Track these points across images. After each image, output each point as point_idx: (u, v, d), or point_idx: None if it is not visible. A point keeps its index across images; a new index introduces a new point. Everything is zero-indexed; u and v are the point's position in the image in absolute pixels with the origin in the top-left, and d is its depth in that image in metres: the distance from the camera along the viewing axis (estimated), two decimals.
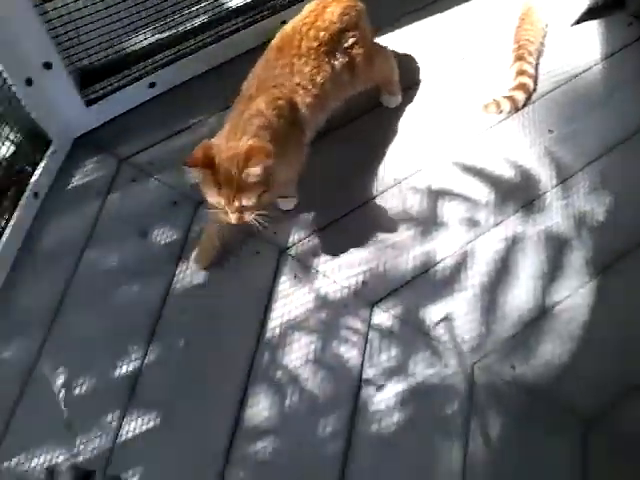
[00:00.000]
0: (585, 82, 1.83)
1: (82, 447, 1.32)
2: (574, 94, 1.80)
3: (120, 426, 1.35)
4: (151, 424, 1.35)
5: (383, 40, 1.79)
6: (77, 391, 1.38)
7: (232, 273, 1.53)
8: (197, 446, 1.32)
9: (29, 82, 1.51)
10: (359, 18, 1.54)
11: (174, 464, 1.31)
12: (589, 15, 1.95)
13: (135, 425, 1.35)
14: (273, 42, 1.51)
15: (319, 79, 1.45)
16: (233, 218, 1.27)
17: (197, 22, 1.83)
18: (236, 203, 1.25)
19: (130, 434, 1.34)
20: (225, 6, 1.84)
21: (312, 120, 1.47)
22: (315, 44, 1.46)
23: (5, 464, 1.29)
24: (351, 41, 1.51)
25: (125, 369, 1.41)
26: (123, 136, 1.72)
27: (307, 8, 1.55)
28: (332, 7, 1.50)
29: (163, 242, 1.57)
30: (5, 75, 1.47)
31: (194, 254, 1.53)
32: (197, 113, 1.76)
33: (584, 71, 1.84)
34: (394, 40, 1.84)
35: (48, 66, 1.53)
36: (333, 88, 1.48)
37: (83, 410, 1.36)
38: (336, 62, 1.48)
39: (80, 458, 1.30)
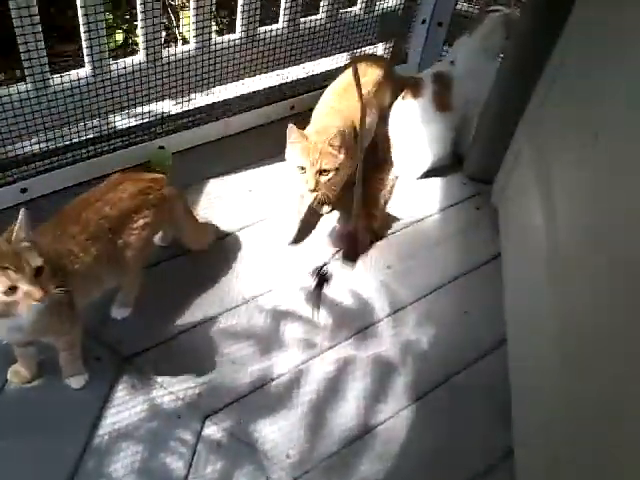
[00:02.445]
0: (422, 228, 2.10)
1: None
2: (412, 237, 2.06)
3: None
4: None
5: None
6: None
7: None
8: None
9: None
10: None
11: None
12: (432, 172, 2.28)
13: None
14: None
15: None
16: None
17: (80, 138, 1.98)
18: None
19: None
20: (108, 126, 2.00)
21: None
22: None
23: None
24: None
25: None
26: None
27: None
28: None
29: None
30: None
31: (11, 370, 1.52)
32: None
33: (422, 219, 2.12)
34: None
35: None
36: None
37: None
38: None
39: None
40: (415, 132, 2.17)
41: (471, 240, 2.09)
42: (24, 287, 1.15)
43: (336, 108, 1.98)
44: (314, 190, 1.82)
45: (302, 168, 1.81)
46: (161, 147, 2.07)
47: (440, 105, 2.15)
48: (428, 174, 2.29)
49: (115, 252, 1.48)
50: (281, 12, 2.23)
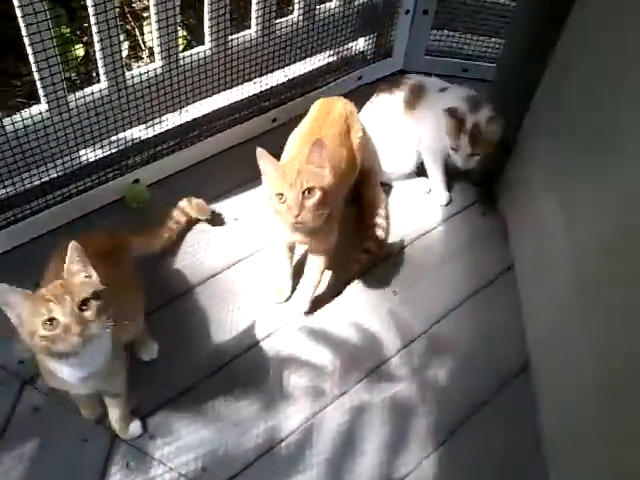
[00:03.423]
0: (425, 245, 1.93)
1: None
2: (416, 257, 1.89)
3: None
4: None
5: None
6: None
7: (54, 463, 1.39)
8: None
9: None
10: None
11: None
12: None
13: None
14: None
15: None
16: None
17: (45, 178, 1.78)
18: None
19: None
20: (73, 163, 1.80)
21: None
22: None
23: None
24: None
25: None
26: None
27: None
28: None
29: None
30: None
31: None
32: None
33: (424, 234, 1.96)
34: None
35: None
36: None
37: None
38: None
39: None
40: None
41: (479, 252, 1.93)
42: (61, 319, 1.04)
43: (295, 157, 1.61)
44: (298, 215, 1.44)
45: (281, 195, 1.45)
46: (136, 181, 1.88)
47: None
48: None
49: None
50: (252, 16, 2.03)
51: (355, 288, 1.79)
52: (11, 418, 1.44)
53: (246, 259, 1.82)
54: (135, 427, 1.43)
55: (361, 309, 1.74)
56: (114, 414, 1.39)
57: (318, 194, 1.44)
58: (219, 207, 1.93)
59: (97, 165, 1.84)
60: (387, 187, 2.06)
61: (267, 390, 1.56)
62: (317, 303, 1.73)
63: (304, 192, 1.42)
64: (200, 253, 1.82)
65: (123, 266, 1.42)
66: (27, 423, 1.43)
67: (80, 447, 1.41)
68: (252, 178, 1.79)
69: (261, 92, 2.15)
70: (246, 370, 1.59)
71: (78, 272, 1.11)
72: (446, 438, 1.52)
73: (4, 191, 1.71)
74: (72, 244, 1.12)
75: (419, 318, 1.74)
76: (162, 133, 1.97)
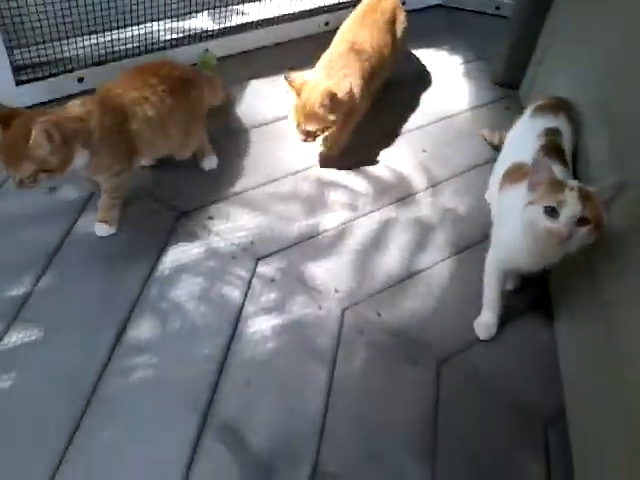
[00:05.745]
0: (454, 122, 2.19)
1: None
2: (444, 129, 2.15)
3: (1, 338, 1.39)
4: (33, 338, 1.40)
5: None
6: None
7: (131, 225, 1.66)
8: (74, 359, 1.37)
9: None
10: None
11: (48, 369, 1.35)
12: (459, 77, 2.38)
13: (17, 337, 1.39)
14: None
15: None
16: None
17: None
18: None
19: (11, 344, 1.38)
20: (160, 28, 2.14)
21: None
22: None
23: None
24: None
25: (16, 292, 1.47)
26: None
27: None
28: None
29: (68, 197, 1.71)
30: None
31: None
32: None
33: (453, 115, 2.22)
34: None
35: None
36: None
37: None
38: None
39: None
40: None
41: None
42: None
43: (350, 40, 1.94)
44: (305, 141, 1.82)
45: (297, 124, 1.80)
46: (206, 50, 2.20)
47: None
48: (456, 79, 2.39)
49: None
50: None
51: (390, 143, 2.05)
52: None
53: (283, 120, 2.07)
54: (101, 228, 1.63)
55: (394, 158, 2.00)
56: (100, 200, 1.63)
57: (319, 133, 1.83)
58: (275, 81, 2.21)
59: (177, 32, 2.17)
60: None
61: (309, 201, 1.82)
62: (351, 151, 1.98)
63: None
64: (258, 107, 2.11)
65: (190, 98, 1.69)
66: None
67: (153, 216, 1.69)
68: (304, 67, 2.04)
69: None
70: (292, 186, 1.85)
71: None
72: (460, 251, 1.75)
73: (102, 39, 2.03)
74: None
75: (445, 170, 1.98)
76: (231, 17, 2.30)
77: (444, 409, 1.40)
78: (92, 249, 1.60)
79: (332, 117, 1.77)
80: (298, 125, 1.79)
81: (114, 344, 1.41)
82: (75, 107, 1.46)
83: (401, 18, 2.15)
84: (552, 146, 1.54)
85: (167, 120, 1.61)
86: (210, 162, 1.85)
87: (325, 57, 1.93)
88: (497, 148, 1.92)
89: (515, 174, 1.51)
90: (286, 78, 1.78)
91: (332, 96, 1.74)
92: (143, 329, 1.45)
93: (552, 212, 1.22)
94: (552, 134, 1.58)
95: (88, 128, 1.44)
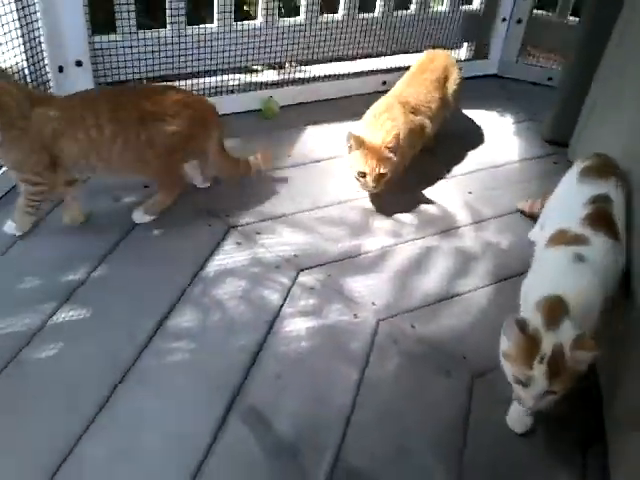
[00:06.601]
0: (502, 170, 2.26)
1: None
2: (492, 175, 2.22)
3: (53, 314, 1.48)
4: (80, 317, 1.48)
5: None
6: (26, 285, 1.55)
7: (185, 233, 1.77)
8: (116, 338, 1.44)
9: (61, 69, 1.94)
10: None
11: (91, 344, 1.42)
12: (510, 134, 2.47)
13: (67, 315, 1.48)
14: None
15: None
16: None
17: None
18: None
19: (60, 320, 1.47)
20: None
21: None
22: None
23: None
24: None
25: (72, 277, 1.58)
26: None
27: None
28: None
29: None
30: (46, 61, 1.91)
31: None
32: None
33: (502, 165, 2.29)
34: None
35: (79, 64, 1.97)
36: None
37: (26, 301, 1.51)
38: None
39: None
40: None
41: (550, 184, 2.20)
42: None
43: (396, 95, 2.13)
44: (375, 189, 1.93)
45: (363, 174, 1.91)
46: (270, 97, 2.39)
47: None
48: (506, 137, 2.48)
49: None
50: (377, 3, 2.59)
51: (435, 187, 2.13)
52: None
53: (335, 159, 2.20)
54: (11, 227, 1.67)
55: (439, 197, 2.06)
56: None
57: (388, 175, 1.93)
58: (331, 128, 2.36)
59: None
60: None
61: (354, 226, 1.89)
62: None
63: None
64: (314, 145, 2.25)
65: (150, 129, 1.64)
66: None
67: (204, 228, 1.80)
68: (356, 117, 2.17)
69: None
70: (338, 213, 1.93)
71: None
72: (500, 280, 1.75)
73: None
74: None
75: (490, 210, 2.03)
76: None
77: (475, 419, 1.37)
78: (147, 249, 1.70)
79: (395, 158, 1.90)
80: (372, 171, 1.89)
81: (156, 329, 1.47)
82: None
83: (454, 76, 2.29)
84: (599, 215, 1.44)
85: (104, 144, 1.61)
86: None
87: (371, 110, 2.07)
88: (536, 217, 1.90)
89: (559, 238, 1.43)
90: (350, 134, 1.92)
91: (397, 137, 1.90)
92: (184, 319, 1.51)
93: (522, 382, 1.21)
94: (601, 201, 1.48)
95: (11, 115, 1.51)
